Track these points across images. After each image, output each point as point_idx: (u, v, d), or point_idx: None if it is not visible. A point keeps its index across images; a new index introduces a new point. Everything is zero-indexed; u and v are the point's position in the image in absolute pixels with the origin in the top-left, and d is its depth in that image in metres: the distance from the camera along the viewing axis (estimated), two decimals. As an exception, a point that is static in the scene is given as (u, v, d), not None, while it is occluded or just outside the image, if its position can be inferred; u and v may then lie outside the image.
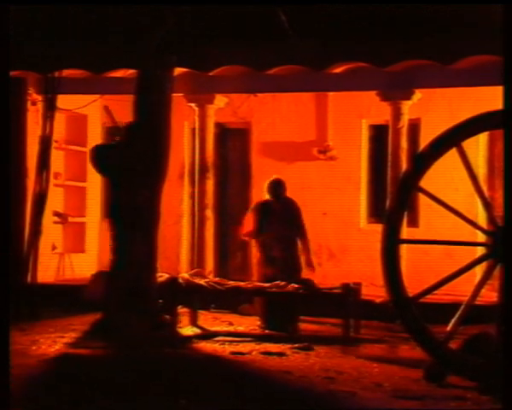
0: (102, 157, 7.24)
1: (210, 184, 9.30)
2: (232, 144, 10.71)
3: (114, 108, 10.13)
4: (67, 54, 8.30)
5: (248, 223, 8.06)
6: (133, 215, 7.11)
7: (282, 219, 7.94)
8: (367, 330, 7.68)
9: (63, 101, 8.82)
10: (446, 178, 8.92)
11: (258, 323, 7.86)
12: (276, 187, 8.02)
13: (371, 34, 7.66)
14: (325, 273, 9.49)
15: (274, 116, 10.38)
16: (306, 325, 7.91)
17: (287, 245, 7.91)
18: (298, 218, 8.01)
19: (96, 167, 7.34)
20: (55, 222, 10.11)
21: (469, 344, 5.59)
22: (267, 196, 8.05)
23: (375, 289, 8.24)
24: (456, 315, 5.53)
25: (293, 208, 8.04)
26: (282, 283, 7.58)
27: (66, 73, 8.53)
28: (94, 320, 7.34)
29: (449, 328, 5.54)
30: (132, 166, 7.09)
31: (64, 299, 8.71)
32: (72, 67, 8.55)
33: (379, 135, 10.00)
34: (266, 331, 7.67)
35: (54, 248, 10.04)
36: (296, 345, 6.88)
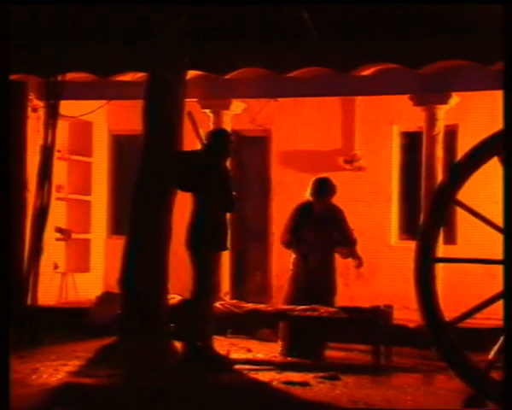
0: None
1: (226, 198, 9.31)
2: (250, 154, 10.73)
3: (122, 115, 10.27)
4: (71, 56, 8.36)
5: (286, 227, 7.97)
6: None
7: (323, 226, 7.79)
8: (399, 358, 7.64)
9: (66, 107, 8.88)
10: (487, 190, 8.87)
11: (280, 349, 7.83)
12: (320, 187, 7.85)
13: (403, 33, 7.66)
14: (353, 295, 9.46)
15: (296, 123, 10.39)
16: (332, 352, 7.88)
17: (325, 261, 7.81)
18: (342, 225, 7.82)
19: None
20: (58, 239, 10.16)
21: None
22: (308, 197, 7.90)
23: (408, 313, 8.19)
24: (499, 342, 5.49)
25: (336, 215, 7.85)
26: (321, 307, 7.55)
27: (69, 76, 8.59)
28: (100, 346, 7.36)
29: (491, 356, 5.50)
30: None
31: (67, 323, 8.74)
32: (77, 70, 8.62)
33: (412, 143, 9.98)
34: (288, 359, 7.65)
35: (56, 267, 10.08)
36: (321, 374, 6.85)
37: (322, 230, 7.80)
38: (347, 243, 7.85)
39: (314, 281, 7.76)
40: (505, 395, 4.55)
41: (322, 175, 8.00)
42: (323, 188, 7.84)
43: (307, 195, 7.93)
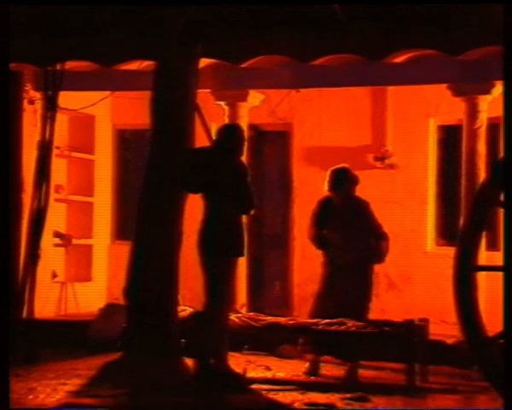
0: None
1: (243, 199, 9.33)
2: (270, 150, 10.75)
3: (127, 108, 10.32)
4: (71, 43, 8.40)
5: (311, 222, 7.97)
6: None
7: (346, 221, 7.76)
8: (436, 378, 7.63)
9: (66, 99, 8.94)
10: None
11: (304, 367, 7.84)
12: (337, 178, 7.81)
13: (440, 16, 7.64)
14: (384, 307, 9.46)
15: (320, 116, 10.40)
16: (361, 371, 7.88)
17: (355, 262, 7.72)
18: (367, 218, 7.75)
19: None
20: (56, 245, 10.23)
21: None
22: (327, 191, 7.90)
23: (445, 327, 8.18)
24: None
25: (359, 207, 7.79)
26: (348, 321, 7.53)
27: (69, 65, 8.64)
28: (103, 363, 7.39)
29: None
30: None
31: (66, 338, 8.79)
32: (78, 58, 8.65)
33: (450, 138, 9.97)
34: (312, 378, 7.66)
35: (54, 276, 10.14)
36: (349, 395, 6.86)
37: (347, 225, 7.76)
38: (375, 238, 7.76)
39: (341, 285, 7.73)
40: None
41: (340, 165, 7.97)
42: (341, 179, 7.82)
43: (325, 188, 7.94)
